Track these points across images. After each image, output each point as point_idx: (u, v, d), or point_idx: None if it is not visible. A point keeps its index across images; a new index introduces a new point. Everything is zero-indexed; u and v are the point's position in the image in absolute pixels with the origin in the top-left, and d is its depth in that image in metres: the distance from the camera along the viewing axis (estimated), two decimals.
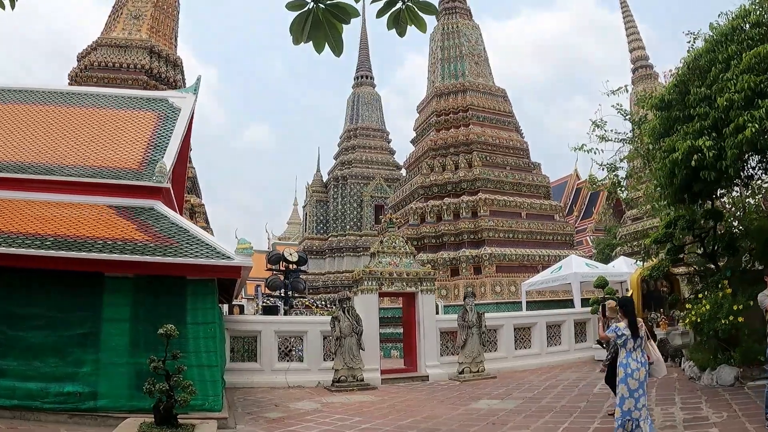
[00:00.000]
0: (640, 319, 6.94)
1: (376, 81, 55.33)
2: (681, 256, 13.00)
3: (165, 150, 13.14)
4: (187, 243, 9.99)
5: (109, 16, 31.89)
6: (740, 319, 9.71)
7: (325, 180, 51.42)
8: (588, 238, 49.12)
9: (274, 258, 17.33)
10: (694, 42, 11.72)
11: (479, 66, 36.65)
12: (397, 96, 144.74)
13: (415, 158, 36.67)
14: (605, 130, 16.87)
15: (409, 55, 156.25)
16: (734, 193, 13.70)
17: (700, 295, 10.82)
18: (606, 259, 33.02)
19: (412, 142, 39.06)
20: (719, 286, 10.71)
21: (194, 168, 29.76)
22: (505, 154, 33.99)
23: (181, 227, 10.72)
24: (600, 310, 7.94)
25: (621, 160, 17.35)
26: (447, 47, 36.69)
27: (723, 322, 9.81)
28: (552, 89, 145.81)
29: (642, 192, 18.60)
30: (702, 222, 12.08)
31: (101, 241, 9.58)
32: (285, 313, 17.04)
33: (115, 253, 9.21)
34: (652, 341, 7.02)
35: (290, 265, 17.48)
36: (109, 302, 9.37)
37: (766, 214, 13.25)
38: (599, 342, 13.27)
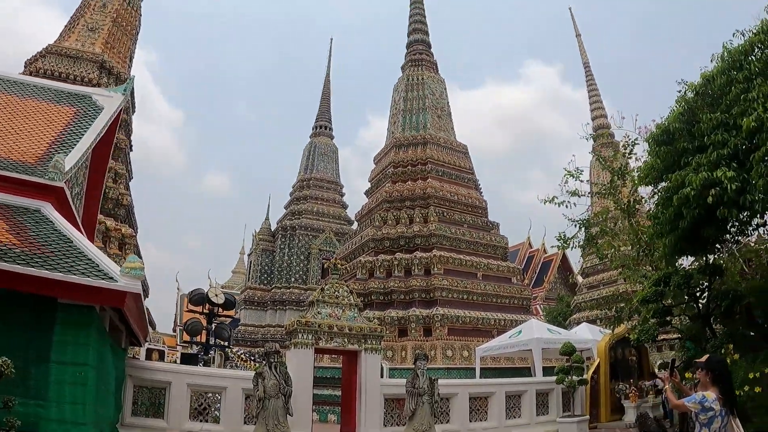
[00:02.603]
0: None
1: (340, 140, 54.32)
2: (669, 318, 11.24)
3: (73, 149, 10.90)
4: (64, 255, 7.63)
5: (65, 26, 29.95)
6: (757, 389, 7.91)
7: (273, 229, 49.12)
8: (539, 306, 48.03)
9: (197, 299, 14.77)
10: (686, 93, 10.34)
11: (442, 120, 35.63)
12: (358, 157, 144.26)
13: (368, 210, 34.89)
14: (581, 181, 15.41)
15: (374, 119, 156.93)
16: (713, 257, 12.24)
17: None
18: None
19: (366, 193, 37.41)
20: (722, 351, 8.93)
21: (130, 196, 27.18)
22: (462, 212, 32.57)
23: (63, 235, 8.37)
24: (669, 366, 5.75)
25: (596, 216, 15.87)
26: (410, 98, 35.64)
27: (737, 393, 7.97)
28: (510, 160, 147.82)
29: (611, 253, 16.97)
30: (696, 279, 10.41)
31: None
32: (204, 364, 14.47)
33: None
34: (737, 419, 5.00)
35: (216, 308, 15.01)
36: None
37: (750, 276, 11.77)
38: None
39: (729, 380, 4.94)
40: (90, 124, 12.19)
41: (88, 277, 7.16)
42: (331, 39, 59.68)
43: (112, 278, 7.29)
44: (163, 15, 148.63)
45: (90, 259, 7.71)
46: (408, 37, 38.55)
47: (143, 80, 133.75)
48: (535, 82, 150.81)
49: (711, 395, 4.82)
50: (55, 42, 28.48)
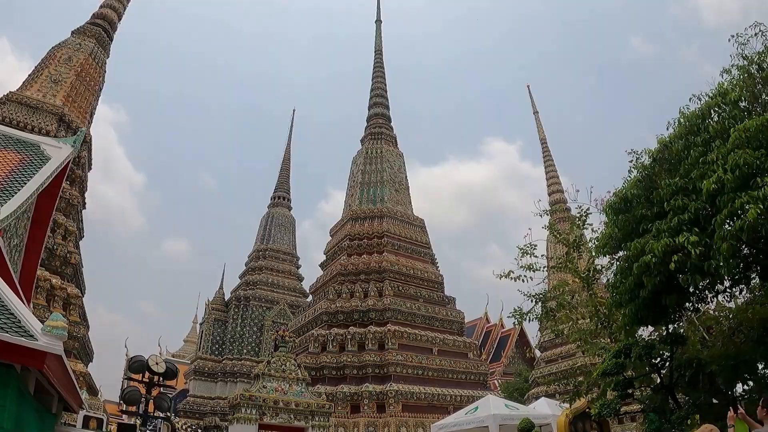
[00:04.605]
0: None
1: (300, 212, 54.54)
2: (631, 391, 10.89)
3: (13, 197, 10.27)
4: None
5: (30, 75, 29.30)
6: None
7: (227, 299, 47.73)
8: (496, 381, 47.29)
9: (136, 366, 13.77)
10: (637, 160, 10.43)
11: (399, 193, 35.82)
12: (317, 230, 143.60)
13: (323, 282, 34.30)
14: (536, 257, 15.28)
15: (334, 192, 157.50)
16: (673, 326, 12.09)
17: None
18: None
19: (321, 266, 36.88)
20: (688, 422, 8.59)
21: (79, 254, 25.95)
22: (418, 286, 32.25)
23: None
24: None
25: (553, 289, 15.69)
26: (368, 171, 35.87)
27: None
28: (469, 235, 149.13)
29: (569, 326, 16.73)
30: (658, 349, 10.17)
31: None
32: None
33: None
34: None
35: (156, 378, 14.03)
36: None
37: (711, 344, 11.62)
38: None
39: None
40: (34, 173, 11.60)
41: (6, 332, 6.45)
42: (294, 110, 59.78)
43: (32, 336, 6.58)
44: (138, 79, 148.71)
45: (12, 314, 6.99)
46: (369, 110, 39.27)
47: (109, 139, 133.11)
48: (495, 158, 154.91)
49: None
50: (17, 90, 27.80)
